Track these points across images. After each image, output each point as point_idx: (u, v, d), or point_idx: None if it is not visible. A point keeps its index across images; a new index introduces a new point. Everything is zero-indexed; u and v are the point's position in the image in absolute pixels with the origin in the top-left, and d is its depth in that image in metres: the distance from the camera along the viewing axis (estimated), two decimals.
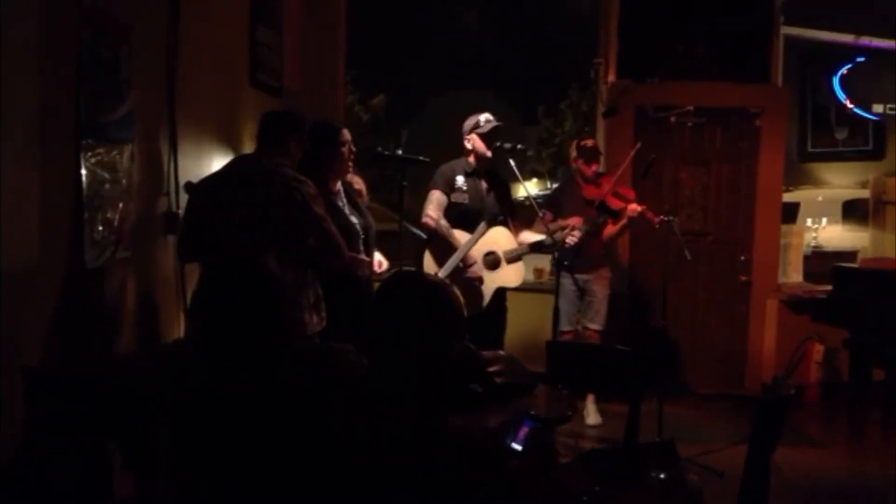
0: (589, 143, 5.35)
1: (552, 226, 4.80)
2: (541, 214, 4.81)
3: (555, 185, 10.98)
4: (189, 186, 3.74)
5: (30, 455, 2.48)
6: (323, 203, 3.37)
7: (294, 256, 3.26)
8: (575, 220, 4.86)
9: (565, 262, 4.48)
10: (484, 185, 4.62)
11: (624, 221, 4.94)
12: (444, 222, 4.50)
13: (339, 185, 3.95)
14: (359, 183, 4.24)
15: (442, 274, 4.39)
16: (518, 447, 2.13)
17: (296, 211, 3.23)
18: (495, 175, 4.69)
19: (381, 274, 4.00)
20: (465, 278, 4.47)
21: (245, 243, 3.19)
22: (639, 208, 4.87)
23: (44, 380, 2.55)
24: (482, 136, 4.56)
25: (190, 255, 3.48)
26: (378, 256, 4.08)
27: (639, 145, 5.09)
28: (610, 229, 5.06)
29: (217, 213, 3.27)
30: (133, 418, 2.32)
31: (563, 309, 5.07)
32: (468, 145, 4.62)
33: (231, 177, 3.38)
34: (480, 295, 4.54)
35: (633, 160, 5.10)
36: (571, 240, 4.73)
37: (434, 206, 4.54)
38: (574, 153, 5.30)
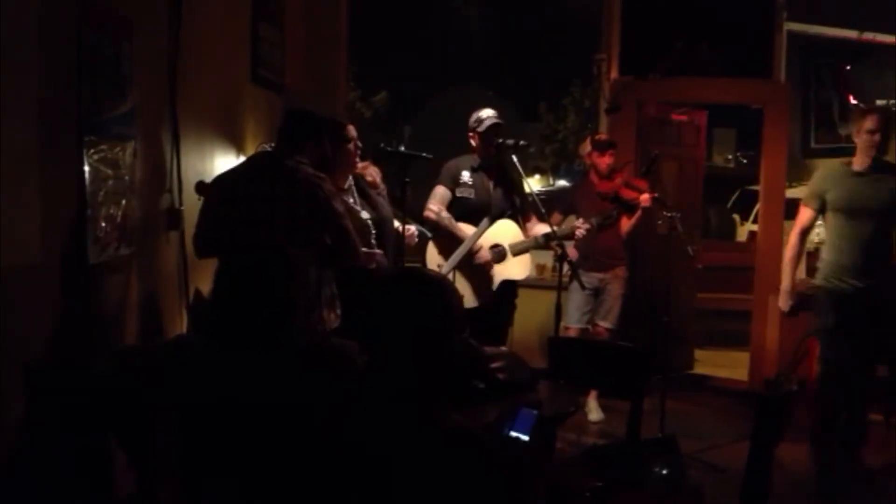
0: (603, 135, 5.41)
1: (562, 227, 4.84)
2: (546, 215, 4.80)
3: (558, 182, 10.99)
4: (201, 186, 3.73)
5: (31, 452, 2.48)
6: (342, 200, 3.38)
7: (315, 254, 3.27)
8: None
9: (569, 259, 4.47)
10: (490, 180, 4.62)
11: (639, 213, 4.97)
12: (445, 214, 4.53)
13: (349, 182, 3.95)
14: (371, 174, 4.25)
15: (447, 268, 4.40)
16: (524, 437, 2.14)
17: (318, 209, 3.25)
18: (504, 170, 4.68)
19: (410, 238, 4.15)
20: (472, 267, 4.49)
21: (267, 240, 3.19)
22: (651, 197, 4.89)
23: (45, 376, 2.55)
24: (480, 135, 4.57)
25: (208, 251, 3.45)
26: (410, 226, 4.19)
27: (657, 153, 5.11)
28: (626, 223, 5.07)
29: (238, 209, 3.26)
30: (135, 415, 2.33)
31: (571, 305, 5.07)
32: (472, 142, 4.66)
33: (252, 173, 3.37)
34: (489, 283, 4.54)
35: (642, 161, 5.11)
36: (580, 232, 4.73)
37: (436, 201, 4.57)
38: (588, 148, 5.32)
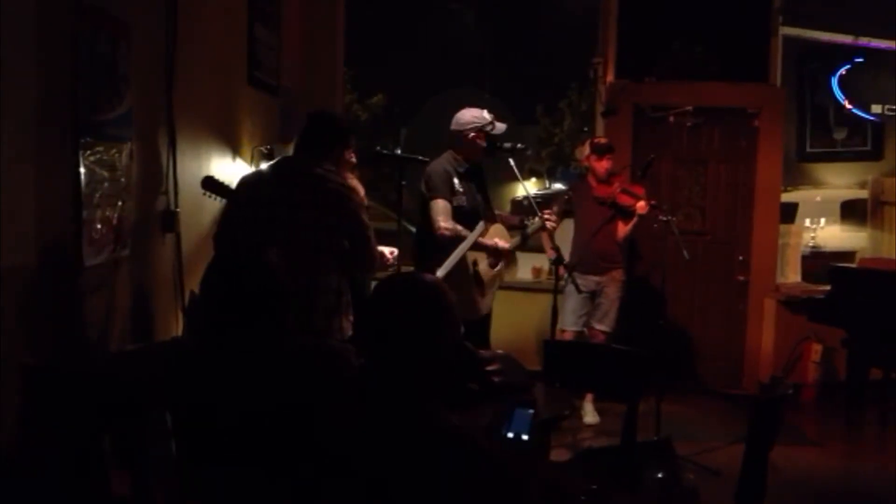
0: (602, 139, 5.40)
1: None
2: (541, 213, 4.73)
3: (554, 185, 11.01)
4: (209, 182, 3.69)
5: (27, 452, 2.48)
6: (366, 211, 3.38)
7: (338, 261, 3.29)
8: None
9: (564, 262, 4.45)
10: (473, 184, 4.53)
11: (635, 220, 4.97)
12: (461, 228, 4.27)
13: None
14: (354, 184, 4.20)
15: (441, 272, 4.34)
16: (525, 436, 2.15)
17: (348, 219, 3.27)
18: (479, 172, 4.54)
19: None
20: (460, 279, 4.41)
21: (291, 245, 3.18)
22: (647, 205, 4.89)
23: (42, 377, 2.55)
24: (489, 137, 4.39)
25: (227, 250, 3.34)
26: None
27: (652, 157, 5.09)
28: (623, 229, 5.08)
29: (261, 211, 3.26)
30: (130, 416, 2.32)
31: (567, 308, 5.06)
32: (464, 142, 4.44)
33: (279, 178, 3.36)
34: (479, 293, 4.49)
35: (636, 164, 5.12)
36: (551, 224, 4.52)
37: (444, 216, 4.25)
38: (587, 150, 5.31)
